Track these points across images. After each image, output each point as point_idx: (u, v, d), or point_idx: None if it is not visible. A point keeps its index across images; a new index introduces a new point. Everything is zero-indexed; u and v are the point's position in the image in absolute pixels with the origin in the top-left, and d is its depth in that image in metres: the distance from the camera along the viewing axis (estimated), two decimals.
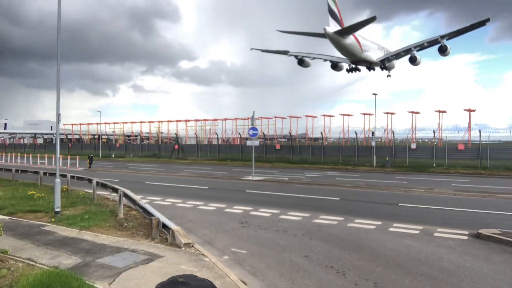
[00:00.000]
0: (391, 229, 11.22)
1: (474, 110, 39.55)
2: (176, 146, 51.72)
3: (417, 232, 10.86)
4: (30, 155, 44.12)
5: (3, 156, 44.63)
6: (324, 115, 53.13)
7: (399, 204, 15.63)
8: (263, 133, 50.03)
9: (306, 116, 53.88)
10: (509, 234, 10.05)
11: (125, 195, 12.67)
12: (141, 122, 67.42)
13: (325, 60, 36.03)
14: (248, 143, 28.71)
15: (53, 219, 11.60)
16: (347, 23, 30.49)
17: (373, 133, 41.37)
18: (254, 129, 27.81)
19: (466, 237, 10.26)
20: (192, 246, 9.01)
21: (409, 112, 45.44)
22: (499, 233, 10.12)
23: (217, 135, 52.66)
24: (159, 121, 66.57)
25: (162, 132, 66.68)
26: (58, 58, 12.31)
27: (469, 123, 40.58)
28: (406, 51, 33.23)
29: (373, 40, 34.38)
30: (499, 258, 8.53)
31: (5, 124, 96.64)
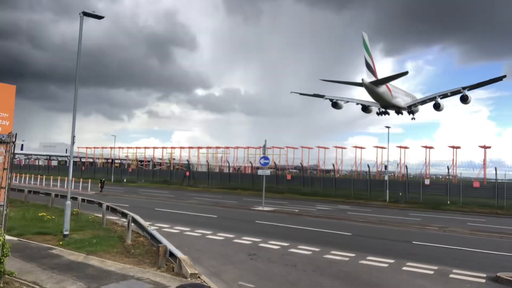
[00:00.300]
0: (404, 268, 10.83)
1: (489, 147, 38.96)
2: (187, 173, 51.84)
3: (431, 272, 10.44)
4: (44, 176, 44.67)
5: (18, 177, 45.24)
6: (336, 147, 52.96)
7: (413, 242, 15.16)
8: (274, 163, 49.96)
9: (318, 147, 53.79)
10: None
11: (134, 221, 12.58)
12: (154, 147, 68.25)
13: (357, 103, 39.09)
14: (259, 172, 28.60)
15: (61, 243, 11.53)
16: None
17: (386, 166, 40.92)
18: (265, 158, 27.78)
19: (483, 280, 9.82)
20: (199, 277, 8.80)
21: (422, 146, 45.02)
22: None
23: (229, 163, 52.75)
24: (171, 147, 67.25)
25: (174, 159, 67.16)
26: (76, 82, 12.64)
27: (485, 160, 39.86)
28: (431, 98, 36.38)
29: (402, 87, 38.50)
30: None
31: (22, 145, 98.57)
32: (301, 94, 41.05)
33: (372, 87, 33.26)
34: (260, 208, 25.57)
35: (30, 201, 21.33)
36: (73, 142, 12.68)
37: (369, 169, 41.00)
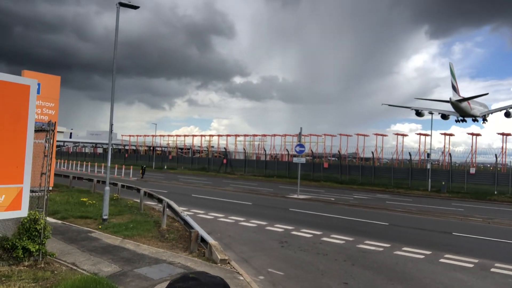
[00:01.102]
0: (442, 260, 10.39)
1: None
2: (225, 161, 52.52)
3: (471, 265, 9.95)
4: (89, 163, 46.95)
5: (65, 163, 47.85)
6: (377, 134, 51.47)
7: (453, 233, 14.51)
8: (311, 150, 49.45)
9: (357, 134, 52.51)
10: None
11: (169, 206, 12.92)
12: (193, 135, 69.70)
13: (439, 113, 45.77)
14: (295, 160, 28.41)
15: (100, 226, 12.09)
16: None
17: (428, 154, 39.26)
18: (301, 145, 27.48)
19: None
20: (229, 262, 8.91)
21: (468, 133, 42.81)
22: None
23: (265, 151, 52.79)
24: (210, 135, 68.38)
25: (212, 146, 68.31)
26: (114, 70, 13.04)
27: None
28: (503, 109, 43.98)
29: (478, 100, 44.36)
30: None
31: (71, 133, 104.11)
32: (390, 105, 49.17)
33: (457, 103, 41.58)
34: (295, 196, 25.46)
35: (74, 187, 22.50)
36: (111, 130, 13.16)
37: (410, 157, 39.61)
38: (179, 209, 12.64)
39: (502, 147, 40.70)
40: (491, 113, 45.42)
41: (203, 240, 9.98)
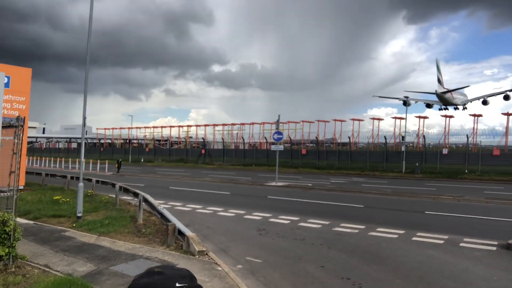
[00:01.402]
0: (414, 238, 10.74)
1: None
2: (203, 151, 52.26)
3: (442, 242, 10.33)
4: (63, 159, 45.78)
5: (38, 161, 46.50)
6: (353, 119, 52.36)
7: (425, 212, 15.00)
8: (289, 137, 49.76)
9: (335, 120, 53.22)
10: None
11: (145, 200, 12.79)
12: (170, 126, 68.90)
13: (425, 103, 52.23)
14: (273, 147, 28.55)
15: (74, 225, 11.84)
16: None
17: (403, 137, 40.25)
18: (279, 133, 27.61)
19: (494, 248, 9.66)
20: (207, 254, 8.92)
21: (442, 116, 44.03)
22: None
23: (243, 139, 52.80)
24: (188, 126, 67.79)
25: (190, 137, 67.76)
26: (87, 64, 12.64)
27: (507, 127, 38.78)
28: (480, 98, 49.53)
29: (459, 91, 50.17)
30: None
31: (43, 128, 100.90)
32: (380, 97, 70.02)
33: (441, 95, 47.62)
34: (274, 183, 25.66)
35: (47, 184, 21.92)
36: (84, 124, 12.83)
37: (385, 140, 40.48)
38: (155, 202, 12.53)
39: (474, 127, 42.11)
40: (470, 101, 51.10)
41: (180, 232, 9.94)
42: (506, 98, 45.21)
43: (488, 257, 9.03)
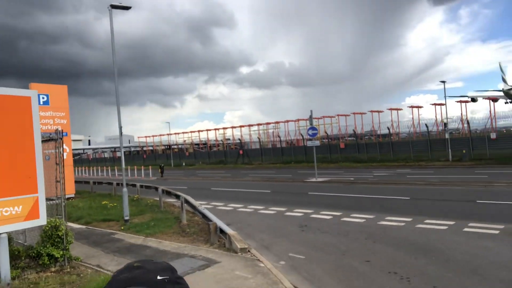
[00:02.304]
0: (466, 229, 10.21)
1: None
2: (241, 151, 52.67)
3: (497, 232, 9.74)
4: (109, 168, 47.82)
5: (86, 170, 48.87)
6: (391, 109, 50.76)
7: (477, 201, 14.21)
8: (326, 132, 49.06)
9: (371, 111, 51.83)
10: None
11: (187, 202, 13.07)
12: (207, 130, 70.09)
13: (490, 98, 51.78)
14: (309, 143, 28.20)
15: (122, 227, 12.33)
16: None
17: (445, 124, 38.46)
18: (313, 128, 27.27)
19: None
20: (249, 251, 8.97)
21: (485, 98, 41.68)
22: None
23: (280, 137, 52.66)
24: (223, 128, 68.62)
25: (227, 139, 68.57)
26: (116, 75, 13.13)
27: None
28: None
29: None
30: None
31: (89, 140, 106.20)
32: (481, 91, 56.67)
33: (507, 91, 50.46)
34: (313, 179, 25.38)
35: (96, 191, 22.98)
36: (121, 133, 13.36)
37: (427, 129, 38.83)
38: (196, 203, 12.77)
39: None
40: None
41: (222, 231, 10.06)
42: None
43: None
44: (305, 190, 20.57)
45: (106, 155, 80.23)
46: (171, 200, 17.24)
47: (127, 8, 13.02)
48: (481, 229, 10.10)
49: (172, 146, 71.66)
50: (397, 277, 7.17)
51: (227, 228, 10.06)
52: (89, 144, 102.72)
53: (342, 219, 12.47)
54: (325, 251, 9.13)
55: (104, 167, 48.33)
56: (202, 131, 71.30)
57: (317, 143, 28.06)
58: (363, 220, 12.11)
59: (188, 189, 22.21)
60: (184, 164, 56.71)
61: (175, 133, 74.88)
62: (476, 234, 9.72)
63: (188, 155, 62.64)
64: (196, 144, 72.69)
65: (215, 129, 70.01)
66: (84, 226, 13.08)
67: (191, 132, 73.70)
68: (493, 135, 33.70)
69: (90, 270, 8.09)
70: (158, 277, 0.92)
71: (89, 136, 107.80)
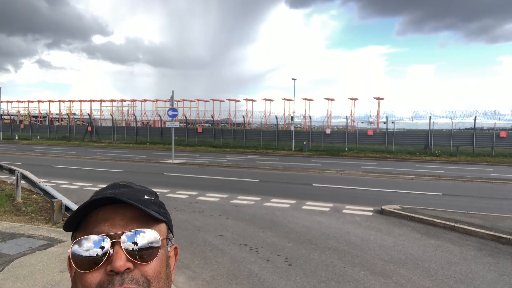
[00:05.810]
0: (304, 207, 11.67)
1: (382, 99, 43.16)
2: (89, 128, 48.37)
3: (327, 209, 11.43)
4: None
5: None
6: (247, 99, 53.79)
7: (313, 184, 16.36)
8: (184, 116, 49.01)
9: (229, 100, 54.01)
10: (408, 209, 11.04)
11: (24, 177, 11.40)
12: (49, 101, 61.96)
13: None
14: (168, 124, 27.85)
15: None
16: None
17: (292, 118, 42.81)
18: (173, 109, 26.94)
19: (371, 213, 11.04)
20: None
21: (325, 99, 47.90)
22: (400, 209, 11.06)
23: (136, 117, 50.30)
24: (70, 101, 61.77)
25: (74, 114, 61.97)
26: None
27: (378, 111, 44.05)
28: None
29: None
30: (399, 231, 9.30)
31: None
32: None
33: None
34: (170, 161, 25.15)
35: None
36: None
37: (277, 121, 42.55)
38: (37, 179, 11.26)
39: (351, 110, 46.82)
40: None
41: (68, 209, 9.16)
42: None
43: (366, 220, 10.29)
44: (161, 171, 20.25)
45: None
46: (2, 176, 14.81)
47: None
48: (316, 207, 11.70)
49: (4, 116, 60.98)
50: (247, 248, 7.77)
51: (74, 206, 9.18)
52: None
53: (197, 198, 12.76)
54: (180, 228, 9.24)
55: None
56: (43, 101, 62.76)
57: (176, 124, 27.87)
58: (217, 199, 12.64)
59: (23, 165, 19.36)
60: (17, 137, 49.05)
61: (7, 101, 63.92)
62: (312, 211, 11.22)
63: (23, 127, 54.34)
64: (34, 117, 63.51)
65: (60, 101, 62.43)
66: None
67: (28, 101, 63.96)
68: (328, 131, 39.04)
69: None
70: (146, 197, 0.92)
71: None
